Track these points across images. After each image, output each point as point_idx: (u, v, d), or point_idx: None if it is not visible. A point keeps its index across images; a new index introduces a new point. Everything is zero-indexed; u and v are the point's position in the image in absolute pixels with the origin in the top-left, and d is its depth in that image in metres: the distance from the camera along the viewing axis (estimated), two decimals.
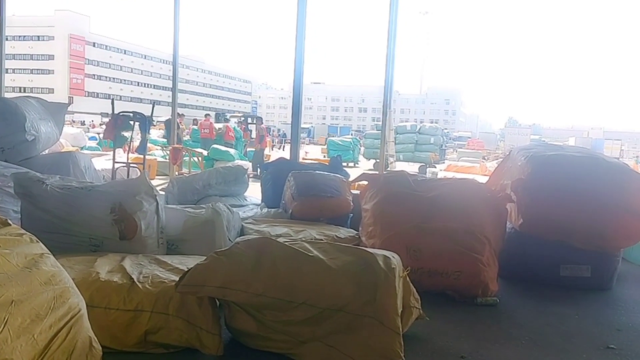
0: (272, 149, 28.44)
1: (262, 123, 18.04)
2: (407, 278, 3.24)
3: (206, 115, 20.47)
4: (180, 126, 15.22)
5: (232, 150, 16.57)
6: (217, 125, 19.20)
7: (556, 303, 4.35)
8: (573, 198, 4.65)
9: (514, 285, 4.68)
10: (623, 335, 3.70)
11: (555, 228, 4.67)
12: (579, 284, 4.74)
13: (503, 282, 4.43)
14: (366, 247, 4.04)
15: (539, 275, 4.79)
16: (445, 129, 37.34)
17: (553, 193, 4.73)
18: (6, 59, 8.51)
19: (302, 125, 10.91)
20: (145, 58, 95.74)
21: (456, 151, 34.75)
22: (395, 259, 3.06)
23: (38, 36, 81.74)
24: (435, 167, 20.93)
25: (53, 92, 74.54)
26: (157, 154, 15.28)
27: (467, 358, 3.16)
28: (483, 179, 7.03)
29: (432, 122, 30.00)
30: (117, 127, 7.21)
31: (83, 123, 40.03)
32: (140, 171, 7.49)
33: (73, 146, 15.54)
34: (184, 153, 11.94)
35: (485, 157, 29.56)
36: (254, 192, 7.20)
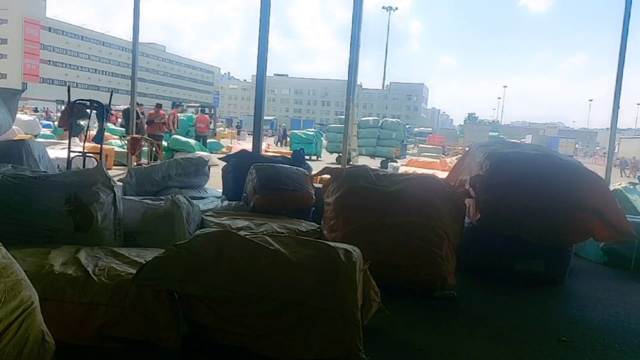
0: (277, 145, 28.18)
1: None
2: (368, 271, 3.26)
3: (202, 110, 20.67)
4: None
5: (192, 141, 16.39)
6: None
7: (511, 296, 4.47)
8: (529, 194, 4.77)
9: (471, 278, 4.78)
10: (574, 328, 3.83)
11: (511, 223, 4.78)
12: (533, 278, 4.88)
13: (461, 276, 4.51)
14: (328, 240, 4.05)
15: (495, 269, 4.90)
16: (407, 124, 37.85)
17: (510, 189, 4.83)
18: None
19: (265, 117, 10.84)
20: (103, 45, 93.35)
21: (417, 146, 35.26)
22: (356, 252, 3.08)
23: None
24: (396, 162, 21.17)
25: (6, 78, 72.01)
26: (115, 143, 14.93)
27: (425, 350, 3.21)
28: (443, 174, 7.15)
29: (394, 117, 30.25)
30: (73, 115, 7.00)
31: (36, 110, 38.57)
32: (96, 161, 7.28)
33: (26, 134, 15.02)
34: (142, 143, 11.70)
35: (446, 153, 30.09)
36: (215, 184, 7.11)
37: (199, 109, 24.07)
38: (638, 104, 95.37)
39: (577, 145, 54.41)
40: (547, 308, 4.27)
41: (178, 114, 18.83)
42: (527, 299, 4.43)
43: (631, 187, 7.65)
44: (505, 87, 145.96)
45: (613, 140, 8.19)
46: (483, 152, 5.29)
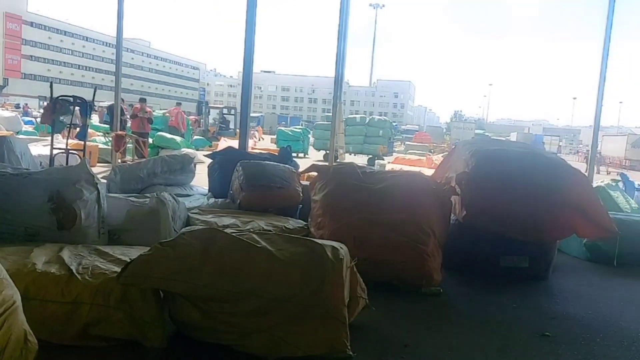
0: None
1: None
2: (355, 268, 3.27)
3: (178, 103, 21.64)
4: None
5: (178, 138, 16.27)
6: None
7: (496, 292, 4.51)
8: (513, 192, 4.81)
9: (457, 275, 4.80)
10: (557, 323, 3.88)
11: (496, 220, 4.81)
12: (517, 274, 4.92)
13: (446, 273, 4.54)
14: (315, 237, 4.05)
15: (480, 266, 4.94)
16: (394, 121, 37.95)
17: (495, 186, 4.86)
18: None
19: (252, 114, 10.80)
20: (86, 40, 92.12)
21: (404, 144, 35.36)
22: (343, 249, 3.08)
23: None
24: (383, 159, 21.21)
25: None
26: (99, 140, 14.77)
27: (411, 346, 3.23)
28: (429, 172, 7.18)
29: (381, 115, 30.35)
30: (55, 111, 6.91)
31: (18, 106, 37.99)
32: (80, 158, 7.20)
33: (8, 130, 14.82)
34: (127, 140, 11.60)
35: (432, 150, 30.23)
36: (201, 181, 7.07)
37: (222, 110, 26.56)
38: (620, 102, 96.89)
39: (560, 143, 55.00)
40: (531, 303, 4.31)
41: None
42: (512, 294, 4.47)
43: (613, 184, 7.76)
44: (490, 85, 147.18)
45: (596, 138, 8.27)
46: (469, 150, 5.32)
